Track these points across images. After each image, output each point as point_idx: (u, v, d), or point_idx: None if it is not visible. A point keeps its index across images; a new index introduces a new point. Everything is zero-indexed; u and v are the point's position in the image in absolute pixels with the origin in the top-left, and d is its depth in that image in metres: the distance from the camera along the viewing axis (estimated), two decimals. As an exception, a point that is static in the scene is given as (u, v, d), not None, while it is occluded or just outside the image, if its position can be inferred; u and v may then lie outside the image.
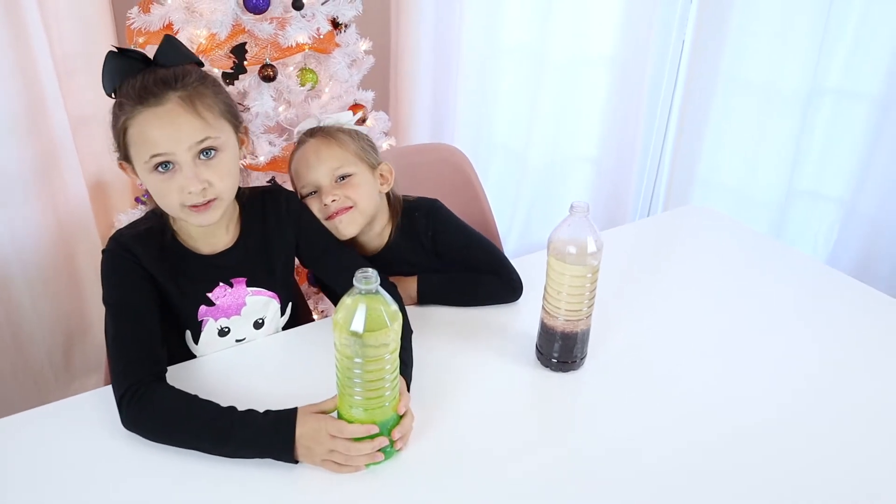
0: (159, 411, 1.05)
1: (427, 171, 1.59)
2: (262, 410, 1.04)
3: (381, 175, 1.41)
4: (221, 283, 1.23)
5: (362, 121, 1.47)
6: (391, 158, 1.64)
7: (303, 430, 1.01)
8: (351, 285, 0.96)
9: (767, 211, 2.57)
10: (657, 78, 2.63)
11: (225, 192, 1.13)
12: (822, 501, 1.01)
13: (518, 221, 2.74)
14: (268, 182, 1.76)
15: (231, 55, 1.65)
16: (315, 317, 1.92)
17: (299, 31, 1.75)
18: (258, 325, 1.29)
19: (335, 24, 1.88)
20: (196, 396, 1.06)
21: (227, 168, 1.13)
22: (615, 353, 1.29)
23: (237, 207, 1.25)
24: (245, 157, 1.21)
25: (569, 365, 1.24)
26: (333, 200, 1.34)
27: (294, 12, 1.74)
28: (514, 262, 1.43)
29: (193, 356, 1.26)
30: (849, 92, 2.34)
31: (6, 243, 1.87)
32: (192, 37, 1.66)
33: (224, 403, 1.05)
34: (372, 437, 1.01)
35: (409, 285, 1.40)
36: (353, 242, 1.41)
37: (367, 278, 0.95)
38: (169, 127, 1.07)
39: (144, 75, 1.08)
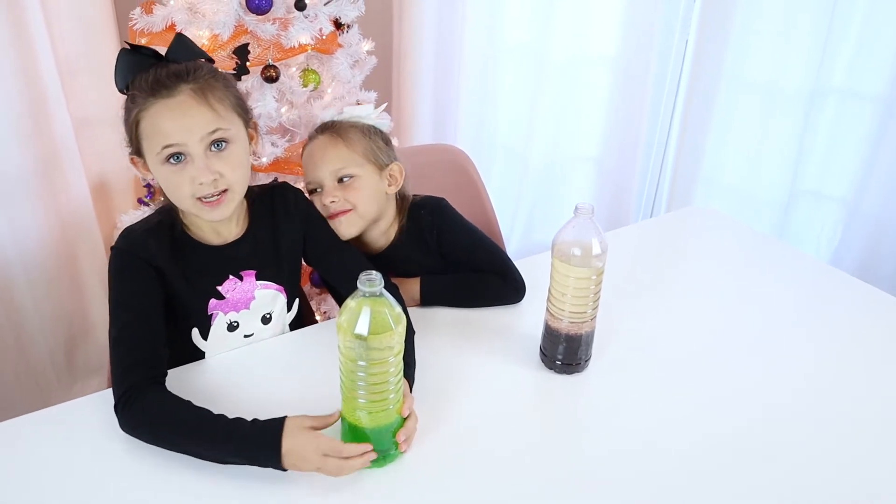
0: (151, 417, 1.05)
1: (429, 171, 1.59)
2: (251, 419, 1.02)
3: (391, 175, 1.40)
4: (231, 276, 1.23)
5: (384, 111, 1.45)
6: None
7: (292, 444, 0.99)
8: (354, 286, 0.96)
9: (771, 211, 2.56)
10: (660, 77, 2.63)
11: (236, 183, 1.15)
12: (825, 501, 1.01)
13: (520, 222, 2.74)
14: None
15: (233, 56, 1.65)
16: (318, 318, 1.91)
17: (302, 32, 1.75)
18: (266, 319, 1.29)
19: (338, 25, 1.87)
20: (189, 402, 1.05)
21: (238, 160, 1.15)
22: (619, 355, 1.28)
23: (245, 203, 1.26)
24: (254, 153, 1.22)
25: (573, 367, 1.23)
26: (333, 202, 1.34)
27: (297, 13, 1.74)
28: (518, 263, 1.42)
29: (201, 354, 1.26)
30: (852, 92, 2.33)
31: (8, 244, 1.86)
32: (194, 38, 1.65)
33: (230, 406, 1.05)
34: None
35: (411, 286, 1.39)
36: (357, 240, 1.41)
37: (372, 281, 0.94)
38: (181, 118, 1.09)
39: (157, 69, 1.10)
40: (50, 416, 1.12)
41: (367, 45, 1.97)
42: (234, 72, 1.66)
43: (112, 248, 1.17)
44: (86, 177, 1.99)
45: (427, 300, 1.40)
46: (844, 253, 2.48)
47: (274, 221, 1.28)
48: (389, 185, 1.40)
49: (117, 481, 1.01)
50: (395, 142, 2.14)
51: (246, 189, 1.20)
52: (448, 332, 1.33)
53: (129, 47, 1.12)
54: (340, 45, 1.87)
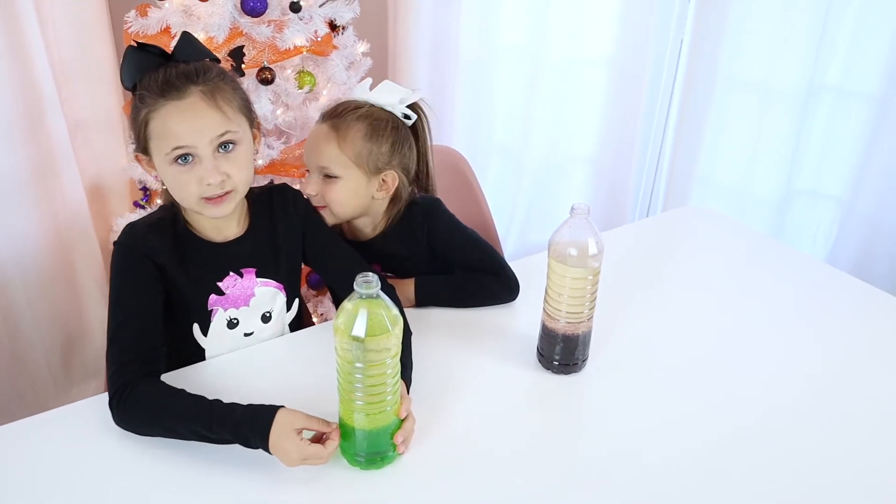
0: (145, 404, 1.06)
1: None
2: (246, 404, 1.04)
3: (383, 181, 1.38)
4: (231, 273, 1.24)
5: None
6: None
7: (276, 440, 0.99)
8: (350, 287, 0.95)
9: (766, 210, 2.57)
10: (655, 77, 2.63)
11: (241, 184, 1.17)
12: (824, 499, 1.01)
13: (517, 222, 2.74)
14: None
15: (229, 58, 1.65)
16: (315, 320, 1.91)
17: (297, 34, 1.75)
18: (266, 318, 1.29)
19: (333, 27, 1.87)
20: (183, 390, 1.07)
21: (245, 161, 1.16)
22: (617, 355, 1.28)
23: (246, 202, 1.27)
24: (257, 153, 1.23)
25: (570, 367, 1.23)
26: (313, 195, 1.36)
27: (292, 15, 1.74)
28: (514, 264, 1.42)
29: (202, 350, 1.27)
30: (847, 90, 2.34)
31: (4, 248, 1.86)
32: (189, 40, 1.65)
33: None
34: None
35: (406, 288, 1.40)
36: (345, 224, 1.42)
37: (368, 283, 0.94)
38: (192, 120, 1.10)
39: (167, 69, 1.11)
40: (46, 421, 1.12)
41: (362, 47, 1.97)
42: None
43: (114, 244, 1.19)
44: (81, 180, 1.99)
45: (422, 300, 1.40)
46: (840, 252, 2.49)
47: (273, 221, 1.29)
48: (379, 191, 1.38)
49: (115, 486, 1.01)
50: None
51: (248, 188, 1.21)
52: (445, 333, 1.33)
53: (136, 45, 1.13)
54: (336, 47, 1.87)
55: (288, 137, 1.93)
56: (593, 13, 2.47)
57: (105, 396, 1.09)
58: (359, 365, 0.96)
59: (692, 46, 2.52)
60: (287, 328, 1.35)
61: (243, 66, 1.68)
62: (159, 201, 1.27)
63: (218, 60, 1.19)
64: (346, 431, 1.02)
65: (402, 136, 1.38)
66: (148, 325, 1.14)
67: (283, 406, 1.02)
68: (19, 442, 1.08)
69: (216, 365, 1.25)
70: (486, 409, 1.16)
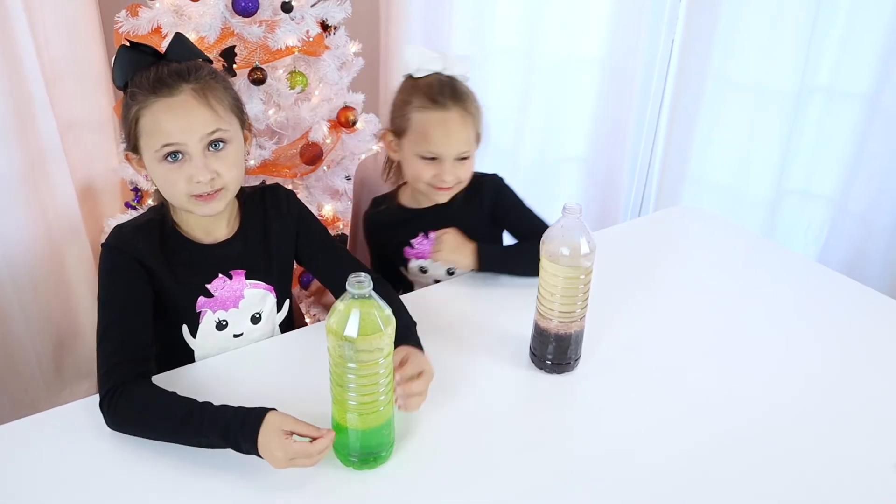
0: (136, 407, 1.05)
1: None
2: (236, 406, 1.03)
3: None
4: (221, 275, 1.24)
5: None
6: (383, 161, 1.64)
7: (265, 443, 0.99)
8: (343, 287, 0.95)
9: (758, 210, 2.58)
10: (647, 78, 2.64)
11: (231, 182, 1.16)
12: (821, 499, 1.02)
13: (510, 222, 2.74)
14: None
15: (220, 58, 1.65)
16: (307, 320, 1.91)
17: (288, 34, 1.74)
18: (255, 319, 1.29)
19: (324, 27, 1.87)
20: (174, 393, 1.07)
21: (234, 159, 1.16)
22: (609, 354, 1.29)
23: (237, 203, 1.27)
24: (248, 153, 1.23)
25: (563, 367, 1.23)
26: (452, 179, 1.42)
27: (283, 15, 1.74)
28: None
29: (191, 351, 1.26)
30: (838, 90, 2.35)
31: (-5, 249, 1.85)
32: (180, 40, 1.65)
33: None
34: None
35: (464, 254, 1.45)
36: (424, 193, 1.48)
37: (361, 283, 0.94)
38: (182, 118, 1.10)
39: (158, 68, 1.11)
40: (38, 422, 1.11)
41: (354, 47, 1.97)
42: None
43: (102, 245, 1.18)
44: (72, 180, 1.98)
45: (484, 264, 1.45)
46: (831, 251, 2.50)
47: (265, 221, 1.29)
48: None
49: (108, 488, 1.00)
50: (382, 143, 2.14)
51: (239, 188, 1.21)
52: (438, 333, 1.33)
53: (129, 45, 1.13)
54: (327, 47, 1.87)
55: (280, 138, 1.93)
56: (585, 14, 2.48)
57: (97, 398, 1.09)
58: (351, 365, 0.95)
59: (683, 47, 2.53)
60: (277, 329, 1.35)
61: (235, 66, 1.67)
62: (151, 202, 1.26)
63: (210, 62, 1.19)
64: (339, 431, 1.02)
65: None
66: (137, 326, 1.13)
67: (273, 409, 1.02)
68: (11, 444, 1.07)
69: (207, 366, 1.24)
70: (478, 409, 1.16)
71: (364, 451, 1.02)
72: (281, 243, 1.30)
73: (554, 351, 1.22)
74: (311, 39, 1.80)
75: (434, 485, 1.02)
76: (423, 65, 1.42)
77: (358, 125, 1.98)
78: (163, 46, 1.16)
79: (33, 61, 1.82)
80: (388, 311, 0.97)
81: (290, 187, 1.42)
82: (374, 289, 0.95)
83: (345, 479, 1.02)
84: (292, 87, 1.81)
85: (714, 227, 1.78)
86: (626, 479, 1.04)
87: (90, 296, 2.08)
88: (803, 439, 1.12)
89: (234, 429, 1.00)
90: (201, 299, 1.23)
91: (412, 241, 1.53)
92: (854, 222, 2.42)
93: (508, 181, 1.57)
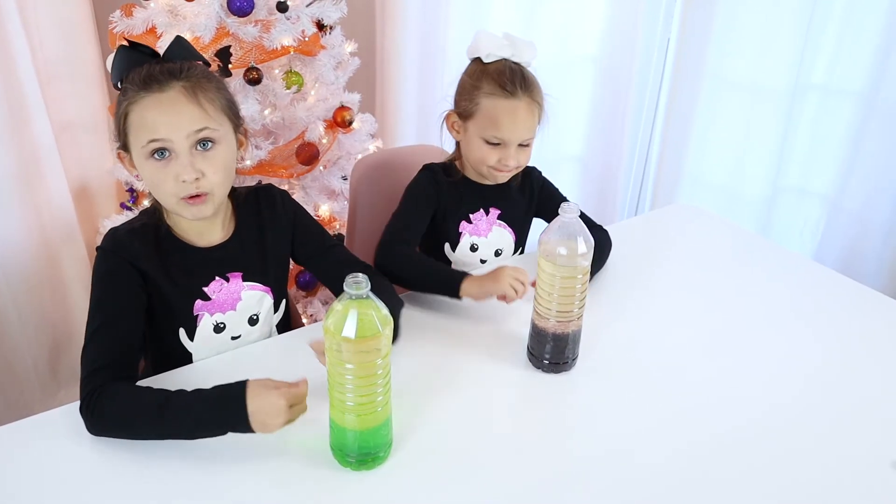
0: (115, 408, 1.04)
1: (414, 172, 1.58)
2: (211, 386, 1.03)
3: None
4: (217, 278, 1.23)
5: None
6: (378, 160, 1.64)
7: (257, 405, 0.99)
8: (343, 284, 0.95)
9: (754, 208, 2.58)
10: (643, 76, 2.64)
11: (216, 186, 1.14)
12: (818, 500, 1.02)
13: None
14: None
15: (216, 58, 1.64)
16: (304, 321, 1.91)
17: (284, 34, 1.74)
18: (253, 321, 1.29)
19: (320, 27, 1.87)
20: (149, 387, 1.07)
21: (222, 162, 1.14)
22: (607, 353, 1.29)
23: (231, 205, 1.26)
24: (243, 160, 1.22)
25: (560, 366, 1.23)
26: (514, 164, 1.46)
27: (279, 14, 1.73)
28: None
29: (189, 354, 1.26)
30: (833, 89, 2.35)
31: (-11, 251, 1.85)
32: (175, 40, 1.65)
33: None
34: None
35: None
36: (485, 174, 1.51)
37: (358, 283, 0.94)
38: (169, 114, 1.09)
39: (151, 65, 1.10)
40: (33, 425, 1.11)
41: (350, 47, 1.97)
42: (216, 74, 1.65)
43: (97, 249, 1.17)
44: (67, 181, 1.98)
45: None
46: (827, 249, 2.51)
47: (260, 223, 1.28)
48: None
49: (104, 489, 1.00)
50: (378, 143, 2.14)
51: (227, 193, 1.20)
52: (435, 333, 1.33)
53: (128, 44, 1.12)
54: (323, 47, 1.86)
55: (276, 138, 1.92)
56: (581, 13, 2.48)
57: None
58: (349, 366, 0.95)
59: (679, 46, 2.53)
60: (274, 330, 1.34)
61: (230, 66, 1.67)
62: (146, 203, 1.26)
63: (208, 65, 1.19)
64: (337, 432, 1.02)
65: None
66: (124, 332, 1.12)
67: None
68: (6, 446, 1.07)
69: (204, 367, 1.24)
70: (476, 408, 1.16)
71: (362, 451, 1.02)
72: (276, 244, 1.30)
73: (551, 350, 1.22)
74: (306, 39, 1.80)
75: (432, 485, 1.02)
76: (493, 50, 1.45)
77: (354, 125, 1.98)
78: (160, 48, 1.15)
79: (27, 62, 1.81)
80: (385, 311, 0.97)
81: (286, 187, 1.41)
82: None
83: (343, 480, 1.02)
84: (288, 87, 1.81)
85: (710, 225, 1.78)
86: (624, 478, 1.04)
87: (85, 297, 2.06)
88: (801, 437, 1.12)
89: (219, 404, 1.00)
90: (198, 302, 1.23)
91: (471, 215, 1.54)
92: (850, 220, 2.42)
93: None
